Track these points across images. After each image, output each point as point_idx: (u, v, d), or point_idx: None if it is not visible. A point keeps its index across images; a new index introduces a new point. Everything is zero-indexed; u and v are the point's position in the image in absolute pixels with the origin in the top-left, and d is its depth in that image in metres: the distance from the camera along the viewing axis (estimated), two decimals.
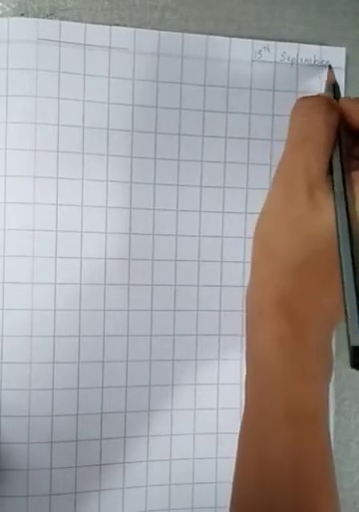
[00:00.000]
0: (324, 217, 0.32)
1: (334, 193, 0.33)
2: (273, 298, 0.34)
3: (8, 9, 0.38)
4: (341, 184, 0.33)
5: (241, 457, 0.34)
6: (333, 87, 0.39)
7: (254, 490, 0.32)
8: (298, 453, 0.32)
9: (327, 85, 0.39)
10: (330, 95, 0.38)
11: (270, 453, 0.32)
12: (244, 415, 0.35)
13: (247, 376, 0.35)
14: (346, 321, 0.29)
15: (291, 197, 0.34)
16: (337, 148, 0.34)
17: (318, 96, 0.36)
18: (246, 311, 0.36)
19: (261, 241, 0.35)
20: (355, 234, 0.31)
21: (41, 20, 0.37)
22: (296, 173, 0.34)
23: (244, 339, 0.37)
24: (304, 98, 0.36)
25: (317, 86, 0.40)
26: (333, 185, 0.33)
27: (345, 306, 0.29)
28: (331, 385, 0.40)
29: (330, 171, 0.34)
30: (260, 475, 0.32)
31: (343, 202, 0.32)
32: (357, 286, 0.29)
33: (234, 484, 0.34)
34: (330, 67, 0.40)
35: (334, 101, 0.36)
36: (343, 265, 0.30)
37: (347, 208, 0.32)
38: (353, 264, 0.30)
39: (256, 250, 0.35)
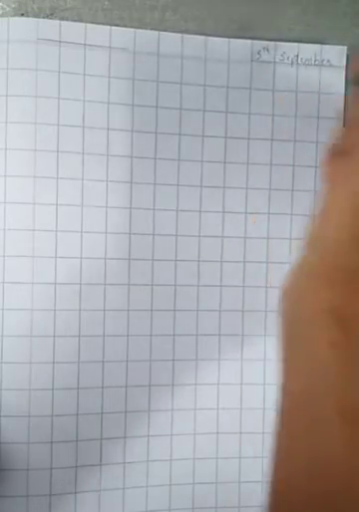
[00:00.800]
0: None
1: None
2: (323, 306, 0.31)
3: (8, 9, 0.38)
4: None
5: (286, 455, 0.33)
6: None
7: (305, 482, 0.32)
8: (353, 450, 0.31)
9: (355, 74, 0.34)
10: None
11: (324, 451, 0.31)
12: (284, 419, 0.33)
13: (285, 379, 0.34)
14: None
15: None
16: None
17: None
18: (285, 315, 0.34)
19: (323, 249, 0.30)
20: None
21: (41, 20, 0.37)
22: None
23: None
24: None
25: (317, 85, 0.40)
26: None
27: None
28: None
29: None
30: (312, 469, 0.32)
31: None
32: None
33: (275, 480, 0.33)
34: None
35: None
36: None
37: None
38: None
39: (309, 255, 0.31)
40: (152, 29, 0.39)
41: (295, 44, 0.40)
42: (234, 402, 0.40)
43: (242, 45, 0.39)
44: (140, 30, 0.38)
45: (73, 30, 0.37)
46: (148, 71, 0.38)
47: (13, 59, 0.36)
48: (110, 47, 0.38)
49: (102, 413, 0.38)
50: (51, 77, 0.37)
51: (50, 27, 0.37)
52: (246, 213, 0.40)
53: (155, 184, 0.39)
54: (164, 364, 0.39)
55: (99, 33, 0.38)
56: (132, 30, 0.38)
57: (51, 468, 0.37)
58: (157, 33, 0.38)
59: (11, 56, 0.36)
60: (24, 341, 0.37)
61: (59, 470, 0.37)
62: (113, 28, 0.38)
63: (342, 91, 0.40)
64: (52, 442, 0.37)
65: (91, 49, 0.38)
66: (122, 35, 0.38)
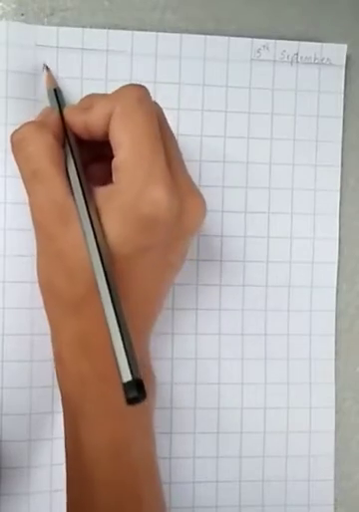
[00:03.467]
0: (79, 253, 0.31)
1: (79, 216, 0.31)
2: (69, 337, 0.33)
3: (8, 9, 0.38)
4: (84, 208, 0.31)
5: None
6: (55, 92, 0.36)
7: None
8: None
9: (48, 90, 0.37)
10: (52, 102, 0.36)
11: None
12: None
13: (63, 416, 0.35)
14: (114, 356, 0.28)
15: (48, 235, 0.32)
16: (72, 165, 0.32)
17: (25, 124, 0.33)
18: (53, 352, 0.35)
19: (42, 284, 0.34)
20: (104, 253, 0.30)
21: (39, 26, 0.37)
22: (43, 210, 0.32)
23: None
24: (14, 132, 0.34)
25: (317, 84, 0.40)
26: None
27: (111, 339, 0.28)
28: (331, 386, 0.41)
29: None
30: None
31: (90, 229, 0.30)
32: (118, 314, 0.28)
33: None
34: (47, 68, 0.37)
35: (50, 115, 0.35)
36: (100, 291, 0.29)
37: (94, 231, 0.30)
38: (109, 286, 0.29)
39: (42, 293, 0.34)
40: (151, 29, 0.39)
41: (295, 42, 0.40)
42: (235, 402, 0.40)
43: (242, 43, 0.39)
44: (137, 32, 0.38)
45: (70, 35, 0.37)
46: (146, 72, 0.38)
47: (13, 61, 0.37)
48: (107, 50, 0.38)
49: None
50: None
51: (48, 33, 0.37)
52: (246, 212, 0.40)
53: None
54: (163, 362, 0.39)
55: (96, 37, 0.38)
56: (129, 32, 0.38)
57: (51, 465, 0.37)
58: (155, 34, 0.38)
59: (11, 58, 0.37)
60: (25, 339, 0.37)
61: (60, 467, 0.37)
62: (110, 31, 0.38)
63: (342, 89, 0.40)
64: (52, 439, 0.37)
65: (89, 53, 0.38)
66: (119, 38, 0.38)
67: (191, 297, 0.39)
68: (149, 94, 0.33)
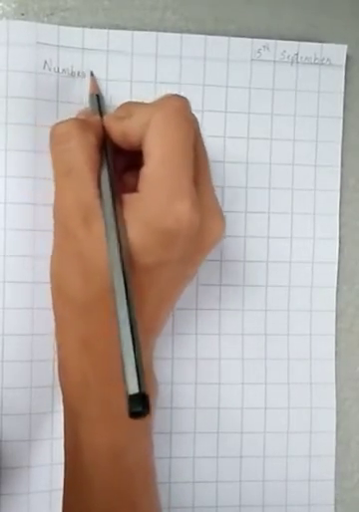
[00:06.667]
0: (102, 254, 0.31)
1: (104, 220, 0.31)
2: (75, 339, 0.33)
3: (8, 9, 0.38)
4: (111, 213, 0.31)
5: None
6: (97, 98, 0.37)
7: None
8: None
9: (90, 95, 0.37)
10: (93, 106, 0.36)
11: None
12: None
13: (64, 417, 0.35)
14: (123, 366, 0.28)
15: (69, 234, 0.32)
16: (105, 170, 0.33)
17: (70, 120, 0.34)
18: (56, 352, 0.35)
19: (54, 283, 0.34)
20: (126, 261, 0.30)
21: (39, 24, 0.37)
22: (69, 208, 0.32)
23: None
24: (57, 125, 0.34)
25: (317, 84, 0.40)
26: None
27: (121, 347, 0.28)
28: (331, 386, 0.41)
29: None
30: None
31: (114, 236, 0.30)
32: (132, 324, 0.28)
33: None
34: (92, 74, 0.38)
35: (93, 117, 0.35)
36: (117, 298, 0.29)
37: (118, 237, 0.30)
38: (126, 295, 0.29)
39: (52, 292, 0.35)
40: (152, 29, 0.39)
41: (295, 42, 0.40)
42: (235, 402, 0.40)
43: (242, 43, 0.39)
44: (137, 32, 0.38)
45: (71, 34, 0.37)
46: (146, 72, 0.38)
47: (13, 61, 0.37)
48: (107, 50, 0.38)
49: None
50: (50, 79, 0.37)
51: (49, 31, 0.37)
52: (246, 212, 0.40)
53: None
54: (164, 362, 0.39)
55: (96, 36, 0.38)
56: (129, 32, 0.38)
57: (51, 464, 0.37)
58: (155, 34, 0.38)
59: (11, 58, 0.37)
60: (25, 339, 0.37)
61: (59, 466, 0.37)
62: (110, 31, 0.38)
63: (342, 90, 0.40)
64: (52, 439, 0.37)
65: (89, 52, 0.38)
66: (119, 37, 0.38)
67: (192, 297, 0.39)
68: (189, 107, 0.33)
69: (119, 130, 0.33)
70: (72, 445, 0.34)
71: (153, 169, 0.32)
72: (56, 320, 0.35)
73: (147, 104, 0.34)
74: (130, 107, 0.34)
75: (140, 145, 0.33)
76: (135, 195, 0.32)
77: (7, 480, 0.37)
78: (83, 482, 0.33)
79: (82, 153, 0.32)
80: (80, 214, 0.32)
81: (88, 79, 0.37)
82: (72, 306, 0.33)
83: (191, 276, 0.36)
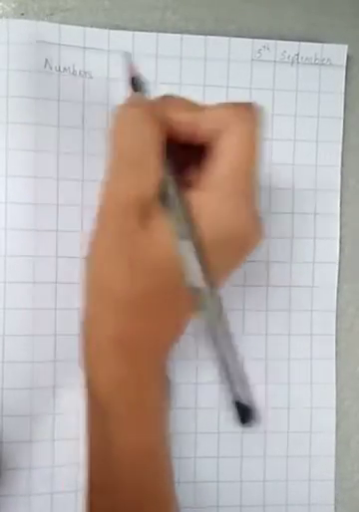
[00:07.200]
0: (162, 250, 0.30)
1: (173, 217, 0.30)
2: (109, 336, 0.32)
3: (8, 9, 0.38)
4: (181, 214, 0.30)
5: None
6: (138, 81, 0.33)
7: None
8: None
9: (130, 79, 0.33)
10: (133, 91, 0.33)
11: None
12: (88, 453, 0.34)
13: (89, 415, 0.34)
14: (227, 378, 0.29)
15: (120, 226, 0.30)
16: (167, 166, 0.30)
17: (141, 103, 0.31)
18: (84, 347, 0.33)
19: (91, 276, 0.32)
20: (204, 265, 0.29)
21: (40, 22, 0.37)
22: (128, 203, 0.30)
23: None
24: (125, 107, 0.31)
25: (317, 84, 0.40)
26: (168, 209, 0.30)
27: (224, 360, 0.29)
28: (331, 386, 0.41)
29: (160, 194, 0.30)
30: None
31: (188, 229, 0.29)
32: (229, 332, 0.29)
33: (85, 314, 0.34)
34: (127, 55, 0.33)
35: (158, 103, 0.32)
36: (208, 305, 0.29)
37: (195, 241, 0.29)
38: (215, 299, 0.29)
39: (88, 285, 0.32)
40: (152, 29, 0.39)
41: (296, 43, 0.40)
42: None
43: (243, 44, 0.39)
44: (138, 32, 0.38)
45: (72, 33, 0.37)
46: (147, 72, 0.38)
47: (13, 60, 0.36)
48: (108, 50, 0.38)
49: None
50: (51, 78, 0.37)
51: (49, 29, 0.37)
52: None
53: None
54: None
55: (97, 37, 0.38)
56: (130, 32, 0.38)
57: (53, 466, 0.37)
58: (155, 34, 0.38)
59: (11, 57, 0.36)
60: (26, 340, 0.37)
61: (61, 468, 0.37)
62: (111, 31, 0.38)
63: (342, 90, 0.40)
64: (53, 440, 0.37)
65: (90, 52, 0.38)
66: (120, 38, 0.38)
67: None
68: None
69: (190, 119, 0.31)
70: (99, 444, 0.33)
71: (226, 171, 0.30)
72: (88, 315, 0.33)
73: (222, 103, 0.32)
74: (184, 100, 0.32)
75: (196, 139, 0.31)
76: (202, 194, 0.31)
77: (8, 481, 0.37)
78: (111, 481, 0.32)
79: (152, 144, 0.30)
80: (136, 207, 0.30)
81: (116, 64, 0.37)
82: (111, 300, 0.31)
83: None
